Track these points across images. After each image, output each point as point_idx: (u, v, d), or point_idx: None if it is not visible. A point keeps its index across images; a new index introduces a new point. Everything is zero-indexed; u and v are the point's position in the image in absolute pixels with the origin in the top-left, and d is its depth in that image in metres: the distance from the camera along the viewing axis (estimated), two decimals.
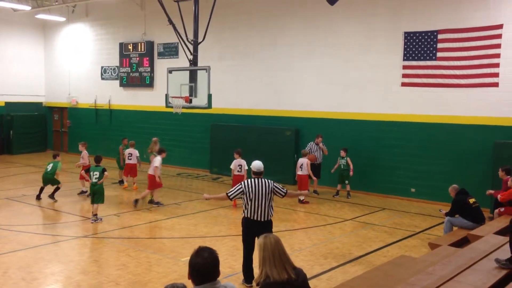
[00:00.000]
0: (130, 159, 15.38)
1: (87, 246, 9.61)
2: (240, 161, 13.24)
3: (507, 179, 10.34)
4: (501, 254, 6.48)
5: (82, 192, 14.20)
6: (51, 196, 13.28)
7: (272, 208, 7.51)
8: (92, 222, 11.15)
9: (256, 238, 7.22)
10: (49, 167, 13.30)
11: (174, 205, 13.34)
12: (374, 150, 15.13)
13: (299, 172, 13.94)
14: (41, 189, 13.47)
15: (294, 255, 8.94)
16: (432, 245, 8.53)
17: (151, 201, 13.21)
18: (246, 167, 12.98)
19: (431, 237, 10.39)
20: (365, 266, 8.49)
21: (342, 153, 14.47)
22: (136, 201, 12.88)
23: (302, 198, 13.65)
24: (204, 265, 3.21)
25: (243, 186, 7.38)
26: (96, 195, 11.30)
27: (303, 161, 13.88)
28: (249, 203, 7.34)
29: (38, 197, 13.42)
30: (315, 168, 14.63)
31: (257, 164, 7.63)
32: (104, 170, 11.38)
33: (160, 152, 13.26)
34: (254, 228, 7.36)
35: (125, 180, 15.79)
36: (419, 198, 14.34)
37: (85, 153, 14.36)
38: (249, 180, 7.45)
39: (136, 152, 15.46)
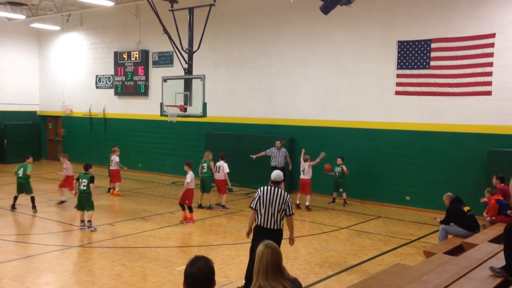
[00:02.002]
0: (111, 165, 15.71)
1: (81, 256, 9.53)
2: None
3: (502, 187, 10.40)
4: (496, 262, 6.49)
5: (62, 202, 14.03)
6: (33, 207, 13.01)
7: (282, 220, 7.46)
8: (85, 229, 11.16)
9: None
10: (20, 172, 13.02)
11: (169, 214, 13.28)
12: (369, 158, 15.17)
13: (301, 177, 14.10)
14: (15, 198, 13.16)
15: (289, 263, 8.91)
16: (427, 253, 8.55)
17: (218, 204, 14.00)
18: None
19: (426, 245, 10.40)
20: (360, 275, 8.47)
21: (339, 161, 14.52)
22: (224, 206, 13.79)
23: (307, 203, 13.93)
24: (199, 275, 3.19)
25: (259, 191, 7.47)
26: (85, 203, 11.22)
27: (305, 165, 14.05)
28: (262, 209, 7.38)
29: (13, 207, 13.12)
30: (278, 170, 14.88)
31: (275, 173, 7.69)
32: (92, 178, 11.22)
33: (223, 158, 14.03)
34: (264, 235, 7.29)
35: (111, 186, 15.99)
36: (414, 206, 14.36)
37: (67, 164, 14.13)
38: (266, 187, 7.51)
39: (116, 158, 15.65)
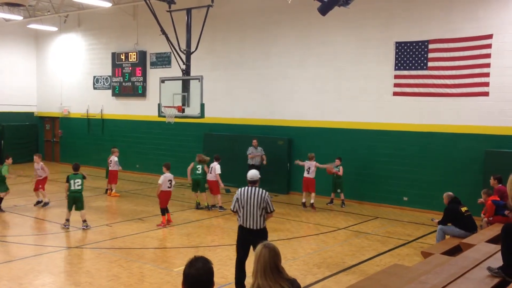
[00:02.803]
0: (110, 166, 15.85)
1: (79, 257, 9.52)
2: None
3: (499, 187, 10.42)
4: (493, 262, 6.49)
5: (38, 203, 13.97)
6: None
7: (264, 219, 7.43)
8: (83, 229, 11.32)
9: (252, 247, 7.24)
10: None
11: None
12: (367, 159, 15.18)
13: (306, 175, 14.06)
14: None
15: (288, 264, 8.91)
16: (425, 253, 8.55)
17: (214, 205, 14.02)
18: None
19: (424, 245, 10.41)
20: (358, 275, 8.48)
21: (337, 162, 14.51)
22: (221, 207, 13.81)
23: (312, 201, 13.98)
24: (197, 276, 3.18)
25: (237, 192, 7.45)
26: (79, 202, 11.47)
27: (310, 164, 14.01)
28: (241, 210, 7.37)
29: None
30: (255, 169, 15.17)
31: (251, 173, 7.66)
32: (83, 177, 11.61)
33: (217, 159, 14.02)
34: (246, 236, 7.37)
35: (108, 187, 16.05)
36: (412, 206, 14.38)
37: (41, 165, 14.04)
38: (243, 188, 7.48)
39: (115, 159, 15.74)
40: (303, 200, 14.28)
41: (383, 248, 10.40)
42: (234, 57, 18.01)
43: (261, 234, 7.37)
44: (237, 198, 7.41)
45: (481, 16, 13.20)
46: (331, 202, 14.87)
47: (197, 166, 14.11)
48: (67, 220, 11.49)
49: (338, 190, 14.63)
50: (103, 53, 21.99)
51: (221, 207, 13.85)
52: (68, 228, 11.39)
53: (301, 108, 16.46)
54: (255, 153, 15.71)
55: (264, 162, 15.82)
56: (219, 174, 13.70)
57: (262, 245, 3.89)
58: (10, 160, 13.63)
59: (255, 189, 7.41)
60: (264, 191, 7.43)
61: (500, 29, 12.92)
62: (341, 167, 14.46)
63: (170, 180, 12.13)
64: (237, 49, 17.95)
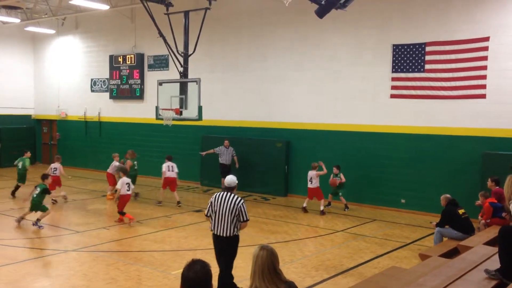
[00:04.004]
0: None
1: (76, 260, 9.48)
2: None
3: (496, 189, 10.43)
4: (491, 264, 6.51)
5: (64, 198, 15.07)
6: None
7: (237, 228, 7.18)
8: (33, 225, 11.69)
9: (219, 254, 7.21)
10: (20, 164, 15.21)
11: (165, 217, 13.25)
12: (364, 161, 15.20)
13: (309, 185, 14.00)
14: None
15: (285, 267, 8.90)
16: (423, 256, 8.56)
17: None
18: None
19: (422, 248, 10.41)
20: (356, 278, 8.48)
21: (335, 170, 14.35)
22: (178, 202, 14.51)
23: (322, 207, 13.94)
24: (195, 279, 3.17)
25: (212, 198, 7.29)
26: (36, 207, 11.84)
27: (312, 174, 13.94)
28: (213, 215, 7.17)
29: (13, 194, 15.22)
30: (225, 168, 16.23)
31: (228, 179, 7.42)
32: (45, 190, 11.96)
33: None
34: (218, 243, 7.19)
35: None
36: (409, 209, 14.39)
37: (59, 166, 15.31)
38: (219, 192, 7.32)
39: (115, 163, 15.86)
40: (304, 205, 14.23)
41: (381, 251, 10.41)
42: (232, 59, 18.03)
43: (230, 243, 7.16)
44: (211, 203, 7.22)
45: (478, 19, 13.25)
46: (329, 204, 14.84)
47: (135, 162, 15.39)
48: (38, 219, 11.81)
49: (340, 194, 14.57)
50: (100, 56, 21.98)
51: (178, 202, 14.63)
52: (38, 227, 11.70)
53: (299, 111, 16.47)
54: (222, 152, 16.49)
55: (237, 165, 16.52)
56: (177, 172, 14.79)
57: (259, 247, 3.89)
58: (29, 154, 15.66)
59: (230, 194, 7.19)
60: (239, 198, 7.20)
61: (497, 32, 12.96)
62: (341, 174, 14.32)
63: (128, 184, 12.59)
64: (234, 52, 17.96)
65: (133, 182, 14.28)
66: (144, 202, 15.41)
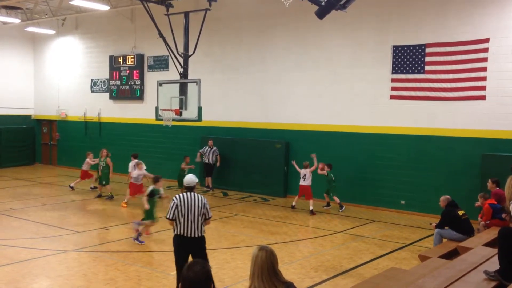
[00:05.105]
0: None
1: (75, 260, 9.48)
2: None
3: (496, 191, 10.44)
4: (490, 266, 6.51)
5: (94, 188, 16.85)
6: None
7: (203, 226, 7.12)
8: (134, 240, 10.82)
9: (191, 256, 6.93)
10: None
11: (163, 218, 13.20)
12: (364, 163, 15.20)
13: (302, 183, 14.20)
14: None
15: (285, 268, 8.90)
16: (422, 257, 8.56)
17: None
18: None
19: (421, 249, 10.42)
20: (355, 279, 8.48)
21: (321, 166, 14.55)
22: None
23: (311, 207, 14.10)
24: (195, 280, 3.17)
25: (175, 199, 7.03)
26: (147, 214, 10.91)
27: (305, 171, 14.15)
28: (182, 217, 6.95)
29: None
30: (209, 167, 17.15)
31: (188, 178, 7.28)
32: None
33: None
34: (186, 245, 7.00)
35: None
36: (409, 210, 14.39)
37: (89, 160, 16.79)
38: (181, 194, 7.14)
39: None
40: (294, 204, 14.46)
41: (381, 252, 10.41)
42: (232, 60, 18.04)
43: (201, 243, 7.10)
44: (176, 205, 6.95)
45: (477, 20, 13.26)
46: (328, 205, 14.86)
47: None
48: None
49: (331, 194, 14.64)
50: (100, 56, 21.98)
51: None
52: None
53: (298, 112, 16.48)
54: (206, 152, 17.14)
55: (218, 163, 17.15)
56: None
57: (258, 248, 3.89)
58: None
59: (194, 194, 7.09)
60: (203, 196, 7.14)
61: (497, 33, 12.97)
62: (327, 170, 14.53)
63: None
64: (234, 53, 17.98)
65: (106, 180, 15.74)
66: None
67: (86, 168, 16.91)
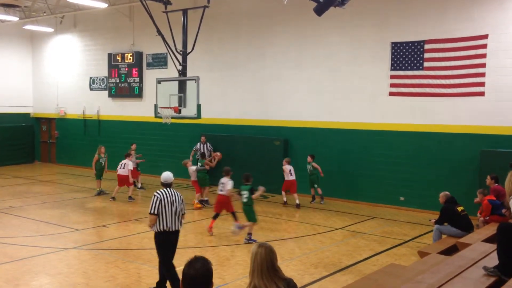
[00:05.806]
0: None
1: (76, 258, 9.50)
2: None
3: (495, 187, 10.46)
4: (489, 261, 6.53)
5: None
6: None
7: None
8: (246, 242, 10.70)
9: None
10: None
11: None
12: (363, 159, 15.22)
13: (290, 178, 14.64)
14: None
15: (284, 264, 8.93)
16: (422, 253, 8.59)
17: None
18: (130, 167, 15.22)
19: (421, 245, 10.44)
20: (355, 275, 8.50)
21: (309, 159, 14.88)
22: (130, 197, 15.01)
23: (297, 201, 14.46)
24: (196, 276, 3.18)
25: (158, 195, 7.36)
26: (246, 214, 10.90)
27: (290, 167, 14.68)
28: (165, 213, 7.27)
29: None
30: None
31: (166, 175, 7.64)
32: (251, 190, 10.77)
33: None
34: (170, 239, 7.42)
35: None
36: (408, 206, 14.42)
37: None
38: (162, 190, 7.47)
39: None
40: (284, 199, 14.91)
41: (380, 248, 10.43)
42: (230, 57, 18.02)
43: (178, 236, 7.56)
44: (160, 200, 7.27)
45: (476, 17, 13.26)
46: (314, 199, 15.15)
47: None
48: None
49: (315, 185, 14.93)
50: (99, 54, 21.95)
51: (130, 197, 15.18)
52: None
53: (297, 109, 16.48)
54: (199, 148, 17.01)
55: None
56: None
57: (257, 245, 3.90)
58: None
59: (173, 190, 7.52)
60: (179, 193, 7.59)
61: (496, 29, 12.97)
62: (314, 163, 14.86)
63: (223, 184, 11.59)
64: (233, 50, 17.96)
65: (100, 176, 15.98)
66: (144, 200, 15.41)
67: (132, 168, 15.77)
